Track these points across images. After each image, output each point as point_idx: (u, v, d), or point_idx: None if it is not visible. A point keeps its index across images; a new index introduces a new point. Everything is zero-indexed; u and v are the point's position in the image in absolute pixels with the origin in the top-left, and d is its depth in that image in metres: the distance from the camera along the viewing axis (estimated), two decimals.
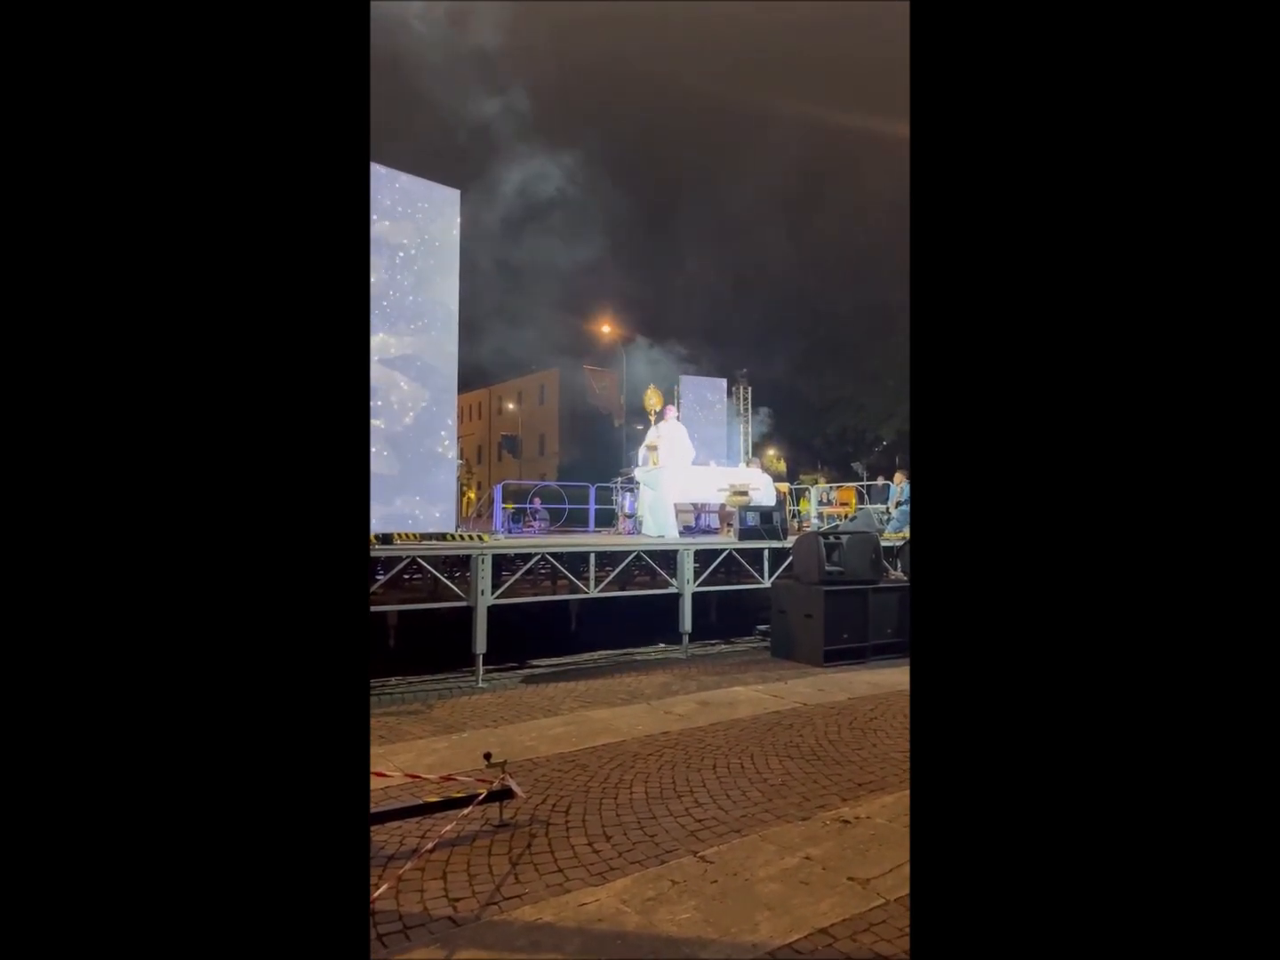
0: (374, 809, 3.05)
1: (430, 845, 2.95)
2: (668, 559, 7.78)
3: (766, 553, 8.31)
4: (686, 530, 9.36)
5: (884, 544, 8.04)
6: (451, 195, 6.75)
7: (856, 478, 22.76)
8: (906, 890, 2.59)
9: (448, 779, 3.49)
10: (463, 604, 6.37)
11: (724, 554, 8.10)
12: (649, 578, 8.62)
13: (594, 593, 7.21)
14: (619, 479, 13.52)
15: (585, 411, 32.57)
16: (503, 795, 3.28)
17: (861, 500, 14.38)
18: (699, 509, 9.81)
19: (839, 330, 30.52)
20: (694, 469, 10.05)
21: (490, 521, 12.84)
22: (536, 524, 13.32)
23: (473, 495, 16.80)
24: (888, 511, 11.53)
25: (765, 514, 8.71)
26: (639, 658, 7.64)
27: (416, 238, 6.50)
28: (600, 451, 27.06)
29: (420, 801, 3.22)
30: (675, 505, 9.21)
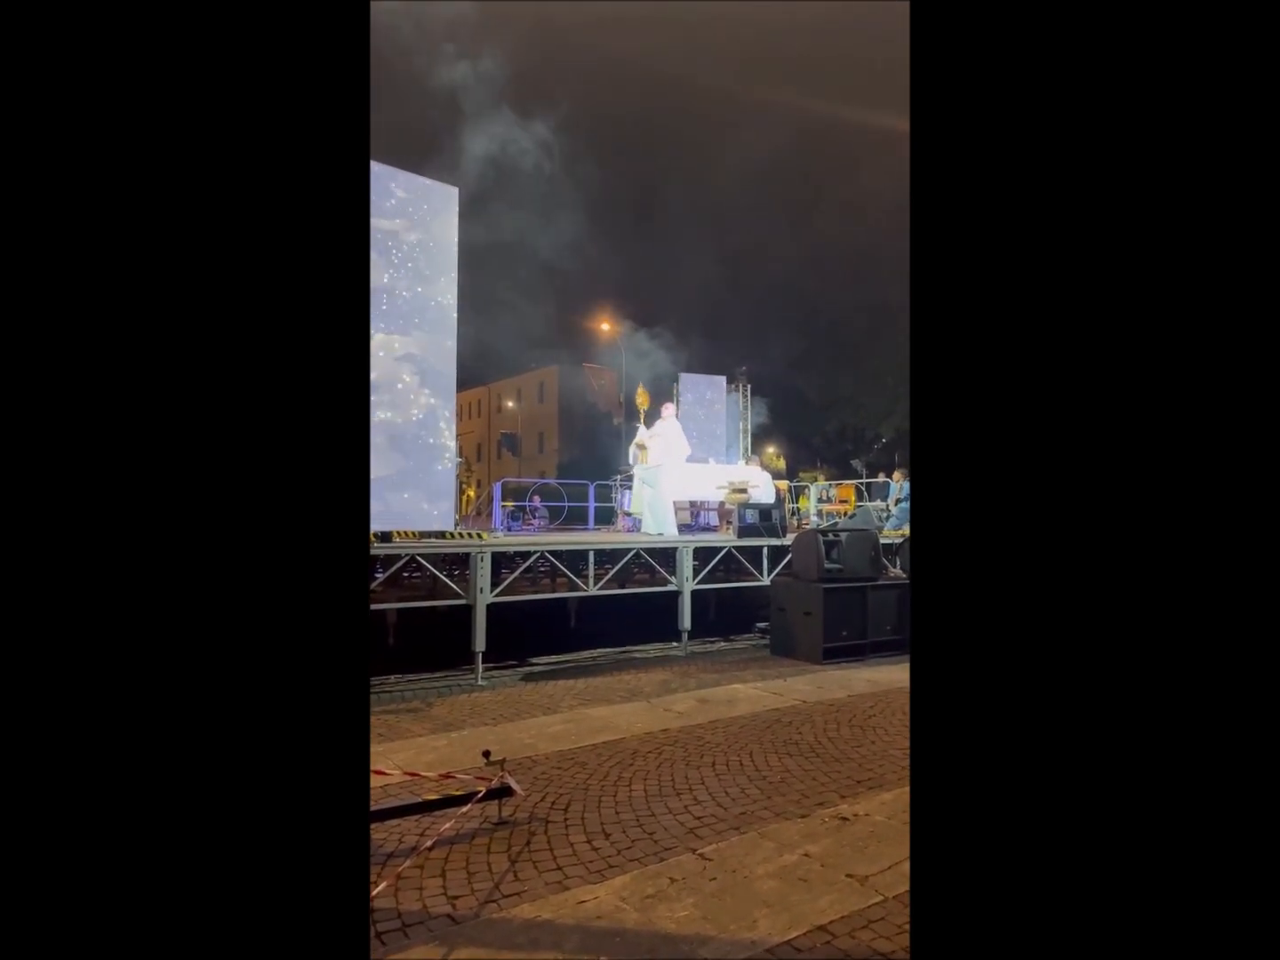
0: (373, 807, 3.05)
1: (429, 843, 2.96)
2: (667, 557, 7.78)
3: (766, 550, 8.32)
4: (685, 528, 9.36)
5: (883, 541, 8.04)
6: (450, 193, 6.75)
7: (856, 475, 22.76)
8: (905, 887, 2.60)
9: (447, 777, 3.49)
10: (462, 602, 6.37)
11: (723, 551, 8.11)
12: (648, 575, 8.61)
13: (593, 590, 7.21)
14: (618, 477, 13.48)
15: (584, 409, 32.58)
16: (502, 793, 3.28)
17: (861, 498, 14.38)
18: (698, 506, 9.81)
19: (839, 328, 30.54)
20: (693, 466, 10.04)
21: (489, 519, 12.86)
22: (536, 522, 13.35)
23: (472, 493, 16.78)
24: (887, 509, 11.55)
25: (764, 511, 8.71)
26: (638, 655, 7.65)
27: (414, 236, 6.50)
28: (600, 449, 27.05)
29: (419, 799, 3.22)
30: (674, 503, 9.21)
